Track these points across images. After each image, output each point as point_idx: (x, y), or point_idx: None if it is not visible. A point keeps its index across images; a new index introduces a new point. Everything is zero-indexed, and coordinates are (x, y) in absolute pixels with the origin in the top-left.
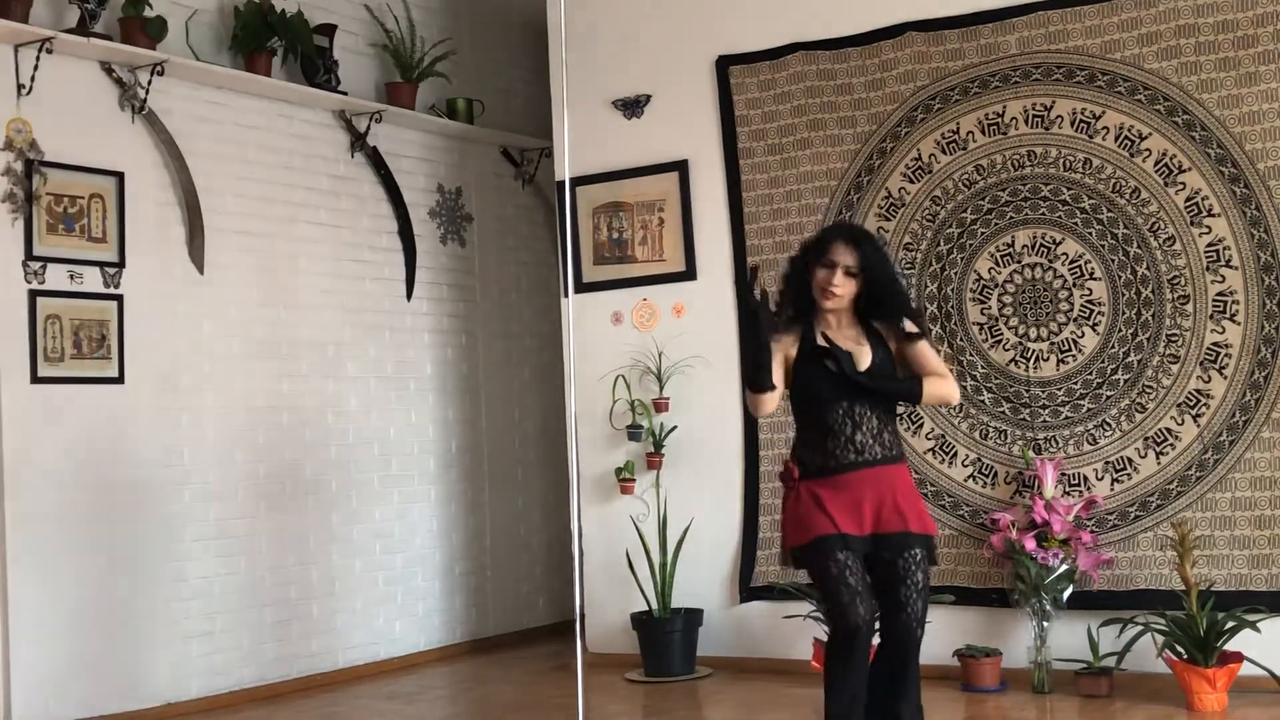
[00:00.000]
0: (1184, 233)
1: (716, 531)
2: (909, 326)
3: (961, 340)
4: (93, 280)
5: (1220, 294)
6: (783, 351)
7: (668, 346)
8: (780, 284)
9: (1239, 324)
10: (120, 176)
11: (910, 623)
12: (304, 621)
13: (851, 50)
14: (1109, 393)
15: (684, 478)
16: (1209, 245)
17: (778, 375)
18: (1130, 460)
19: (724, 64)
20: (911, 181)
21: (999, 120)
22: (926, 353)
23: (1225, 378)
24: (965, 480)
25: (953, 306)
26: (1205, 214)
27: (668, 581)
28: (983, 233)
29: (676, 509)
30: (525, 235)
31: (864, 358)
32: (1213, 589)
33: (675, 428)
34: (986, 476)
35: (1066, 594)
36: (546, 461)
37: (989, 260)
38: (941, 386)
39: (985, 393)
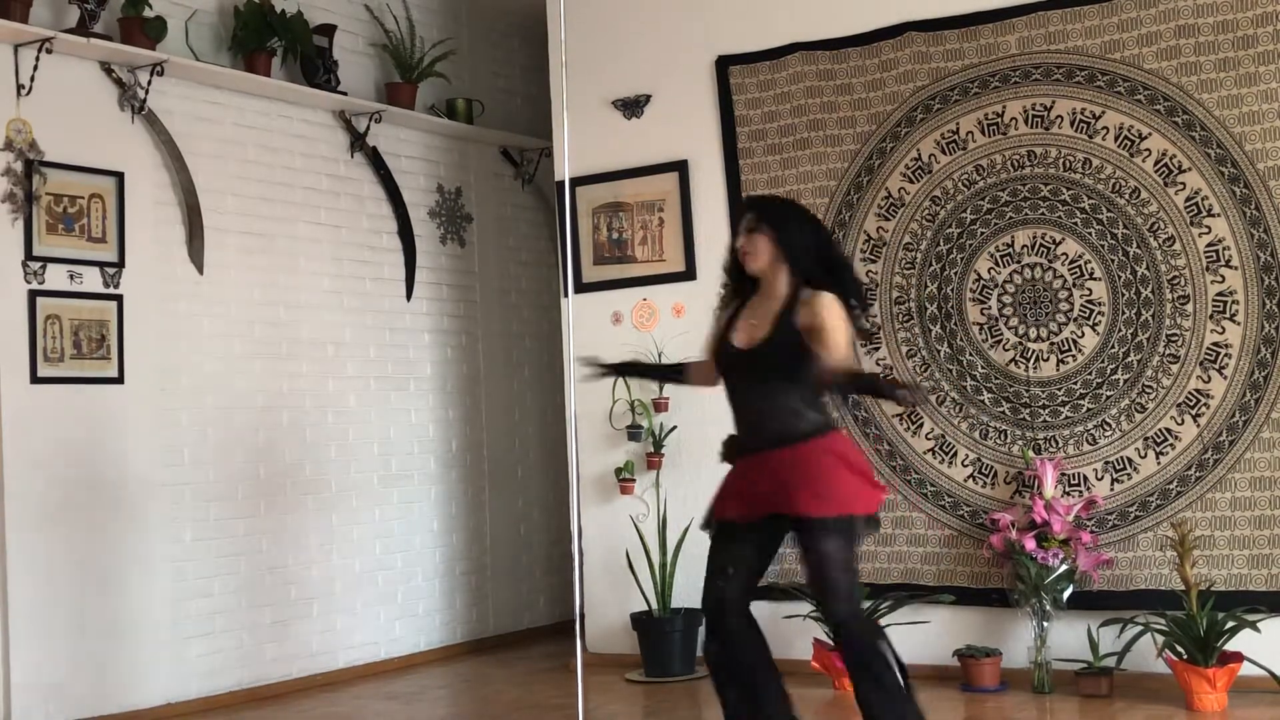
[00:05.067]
0: (1184, 233)
1: None
2: (807, 296)
3: (961, 340)
4: (92, 280)
5: (1220, 294)
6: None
7: (668, 346)
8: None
9: (1239, 324)
10: (120, 176)
11: (828, 600)
12: (304, 621)
13: (851, 50)
14: (1109, 393)
15: (684, 478)
16: (1209, 245)
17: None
18: (1130, 460)
19: (724, 64)
20: (911, 181)
21: (999, 120)
22: (829, 329)
23: (1225, 378)
24: (965, 480)
25: (953, 306)
26: (1205, 214)
27: (668, 581)
28: (982, 233)
29: (676, 509)
30: (525, 235)
31: (755, 334)
32: (1213, 589)
33: (675, 428)
34: (986, 476)
35: (1066, 594)
36: (546, 461)
37: (989, 260)
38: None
39: (985, 393)
